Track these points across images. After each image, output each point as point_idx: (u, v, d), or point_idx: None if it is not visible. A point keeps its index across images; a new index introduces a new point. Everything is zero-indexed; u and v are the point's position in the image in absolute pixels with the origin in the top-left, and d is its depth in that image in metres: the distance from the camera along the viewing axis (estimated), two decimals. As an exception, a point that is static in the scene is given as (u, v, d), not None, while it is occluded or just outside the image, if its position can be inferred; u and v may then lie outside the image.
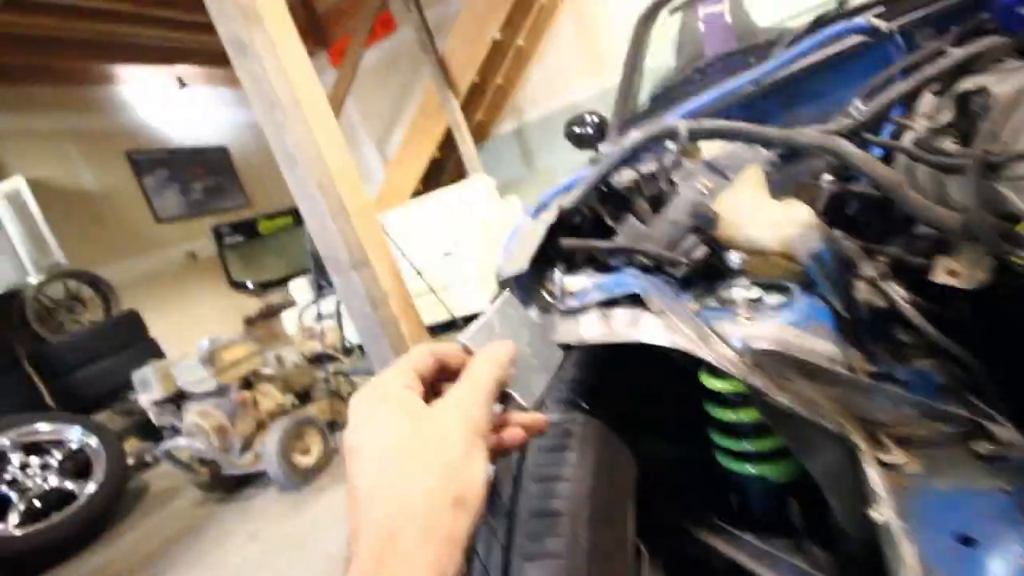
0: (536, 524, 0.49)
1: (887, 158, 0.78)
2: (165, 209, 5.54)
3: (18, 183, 4.31)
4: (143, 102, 5.65)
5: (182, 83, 5.85)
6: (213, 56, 5.18)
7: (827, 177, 0.78)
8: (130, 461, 3.14)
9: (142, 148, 5.51)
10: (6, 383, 3.36)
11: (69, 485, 2.55)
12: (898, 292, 0.54)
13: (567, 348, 0.68)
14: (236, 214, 6.19)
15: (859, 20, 0.75)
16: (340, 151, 2.30)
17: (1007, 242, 0.42)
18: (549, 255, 0.65)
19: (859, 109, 0.67)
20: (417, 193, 5.38)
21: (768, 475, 0.59)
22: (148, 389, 2.30)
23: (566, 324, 0.55)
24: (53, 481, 2.54)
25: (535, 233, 0.61)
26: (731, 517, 0.66)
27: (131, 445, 3.43)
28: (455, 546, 0.29)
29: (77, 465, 2.66)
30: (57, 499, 2.52)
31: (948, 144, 0.50)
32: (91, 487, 2.55)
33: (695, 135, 0.59)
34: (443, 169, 5.80)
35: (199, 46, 5.17)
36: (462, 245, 4.06)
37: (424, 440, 0.31)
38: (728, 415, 0.61)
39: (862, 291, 0.64)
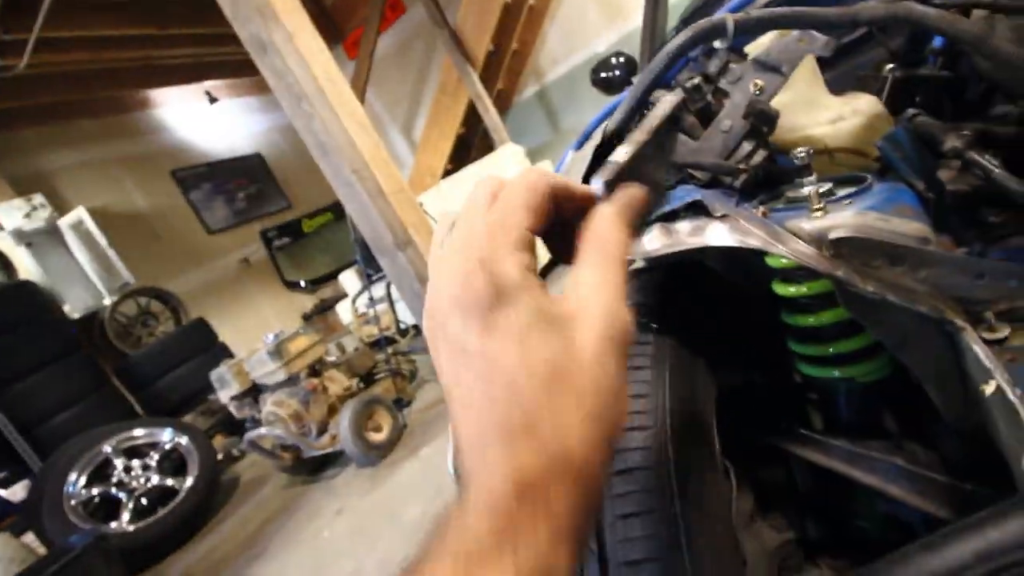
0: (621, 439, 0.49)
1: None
2: (215, 220, 5.79)
3: (81, 213, 4.59)
4: (178, 121, 5.87)
5: (212, 98, 6.03)
6: (237, 66, 5.29)
7: (889, 66, 0.72)
8: (219, 456, 3.36)
9: (184, 165, 5.75)
10: (99, 398, 3.64)
11: (169, 482, 2.76)
12: (989, 160, 0.49)
13: (631, 269, 0.66)
14: (280, 217, 6.40)
15: None
16: (369, 135, 2.32)
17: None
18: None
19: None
20: (448, 172, 5.38)
21: (857, 376, 0.57)
22: (226, 386, 2.44)
23: (627, 243, 0.53)
24: (155, 480, 2.75)
25: (582, 159, 0.59)
26: (816, 431, 0.64)
27: (217, 441, 3.67)
28: (598, 497, 0.24)
29: (173, 463, 2.87)
30: (160, 495, 2.73)
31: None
32: (189, 481, 2.75)
33: (744, 27, 0.55)
34: (470, 144, 5.76)
35: (223, 58, 5.29)
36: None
37: (578, 370, 0.24)
38: (808, 320, 0.59)
39: (947, 172, 0.59)
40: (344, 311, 4.67)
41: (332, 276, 5.69)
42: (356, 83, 5.59)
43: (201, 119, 6.06)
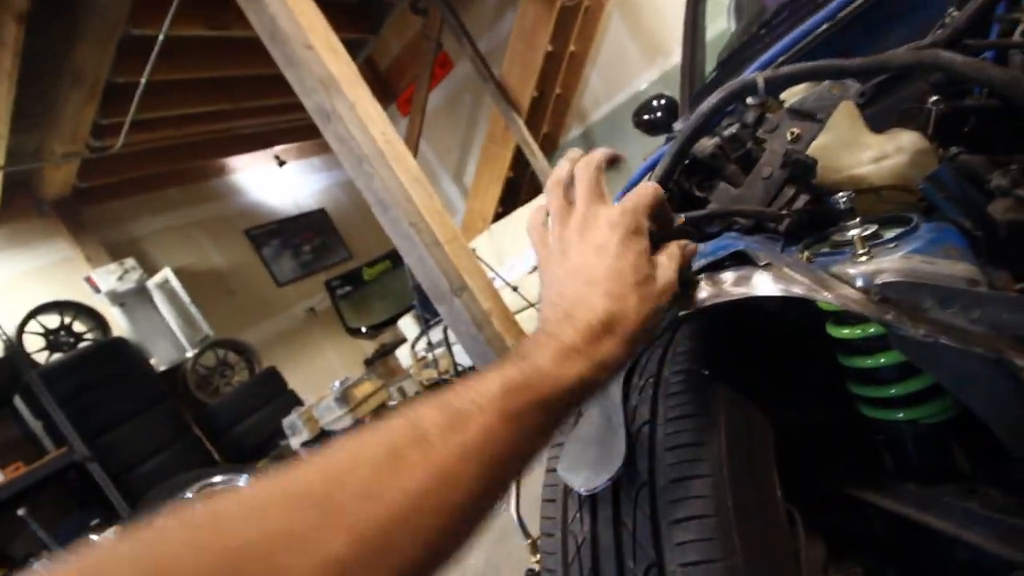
0: (678, 490, 0.50)
1: (1001, 62, 0.71)
2: (283, 273, 6.19)
3: (167, 274, 5.03)
4: (251, 184, 6.39)
5: (280, 161, 6.55)
6: (302, 131, 5.75)
7: (933, 98, 0.72)
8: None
9: (256, 224, 6.22)
10: (182, 446, 3.89)
11: (245, 527, 2.87)
12: (1039, 196, 0.49)
13: (678, 320, 0.68)
14: (342, 267, 6.75)
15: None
16: (424, 188, 2.45)
17: None
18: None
19: (954, 16, 0.62)
20: (498, 216, 5.54)
21: (922, 418, 0.55)
22: (297, 432, 2.56)
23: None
24: (232, 526, 2.88)
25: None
26: (887, 474, 0.62)
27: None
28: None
29: (249, 509, 2.99)
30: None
31: (1066, 25, 0.45)
32: (263, 527, 2.85)
33: (774, 84, 0.58)
34: (519, 187, 5.92)
35: (290, 125, 5.77)
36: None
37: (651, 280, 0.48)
38: (866, 362, 0.58)
39: (999, 206, 0.58)
40: (404, 355, 4.81)
41: (391, 321, 5.90)
42: (410, 138, 5.93)
43: (271, 180, 6.58)
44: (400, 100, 6.66)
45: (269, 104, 5.22)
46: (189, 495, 2.94)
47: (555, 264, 0.47)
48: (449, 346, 3.12)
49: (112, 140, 4.36)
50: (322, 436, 2.56)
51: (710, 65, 1.64)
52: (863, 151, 0.69)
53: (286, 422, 2.59)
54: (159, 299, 4.99)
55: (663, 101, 1.84)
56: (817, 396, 0.73)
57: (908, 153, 0.66)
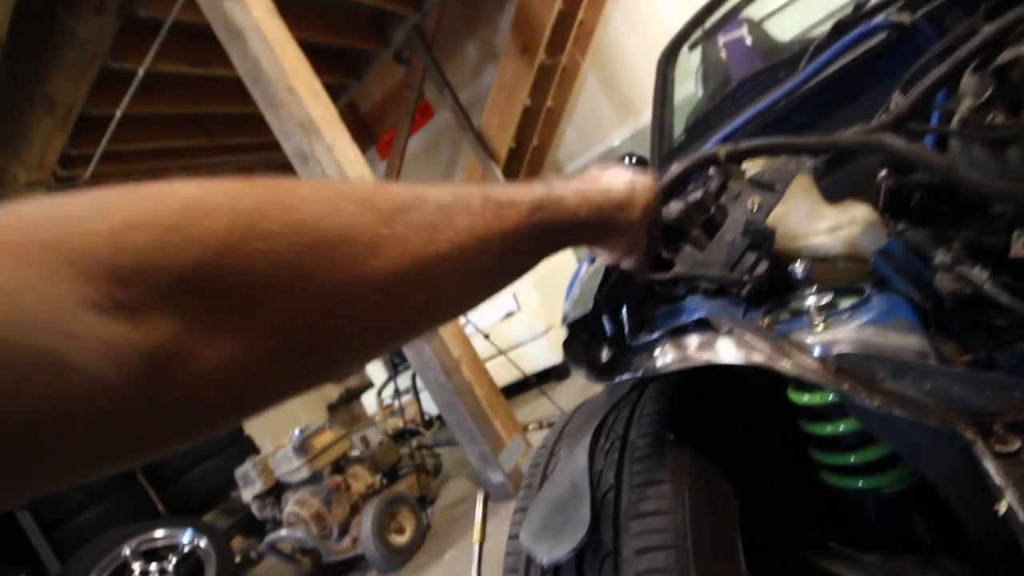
0: (641, 561, 0.49)
1: (942, 145, 0.76)
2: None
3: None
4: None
5: (253, 198, 6.48)
6: (279, 171, 5.74)
7: (884, 173, 0.77)
8: (237, 559, 3.26)
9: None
10: (124, 495, 3.63)
11: (186, 587, 2.67)
12: (978, 273, 0.52)
13: (645, 383, 0.68)
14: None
15: (879, 18, 0.76)
16: (398, 233, 2.46)
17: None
18: (613, 296, 0.67)
19: (898, 102, 0.67)
20: (472, 261, 5.56)
21: (881, 487, 0.56)
22: (250, 484, 2.42)
23: (639, 358, 0.56)
24: (171, 585, 2.67)
25: (595, 274, 0.63)
26: (849, 540, 0.62)
27: (236, 543, 3.57)
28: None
29: (191, 567, 2.79)
30: (176, 602, 2.64)
31: (996, 118, 0.49)
32: (205, 587, 2.66)
33: (734, 157, 0.61)
34: (494, 234, 5.99)
35: (267, 162, 5.75)
36: (523, 304, 4.12)
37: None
38: (826, 429, 0.59)
39: (944, 280, 0.61)
40: (370, 402, 4.67)
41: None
42: (388, 178, 5.99)
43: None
44: (380, 144, 6.76)
45: (246, 142, 5.22)
46: (126, 551, 2.73)
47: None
48: (417, 393, 3.05)
49: (80, 170, 4.26)
50: (277, 488, 2.43)
51: (679, 127, 1.73)
52: (819, 221, 0.72)
53: (239, 472, 2.46)
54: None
55: (634, 159, 1.91)
56: (782, 460, 0.73)
57: (860, 225, 0.70)
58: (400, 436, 2.79)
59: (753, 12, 2.13)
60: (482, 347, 2.97)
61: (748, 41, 2.07)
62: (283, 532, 2.26)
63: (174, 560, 2.75)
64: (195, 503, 3.81)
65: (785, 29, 2.25)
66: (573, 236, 0.49)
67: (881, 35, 0.79)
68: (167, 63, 3.72)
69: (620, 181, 0.55)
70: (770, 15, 2.20)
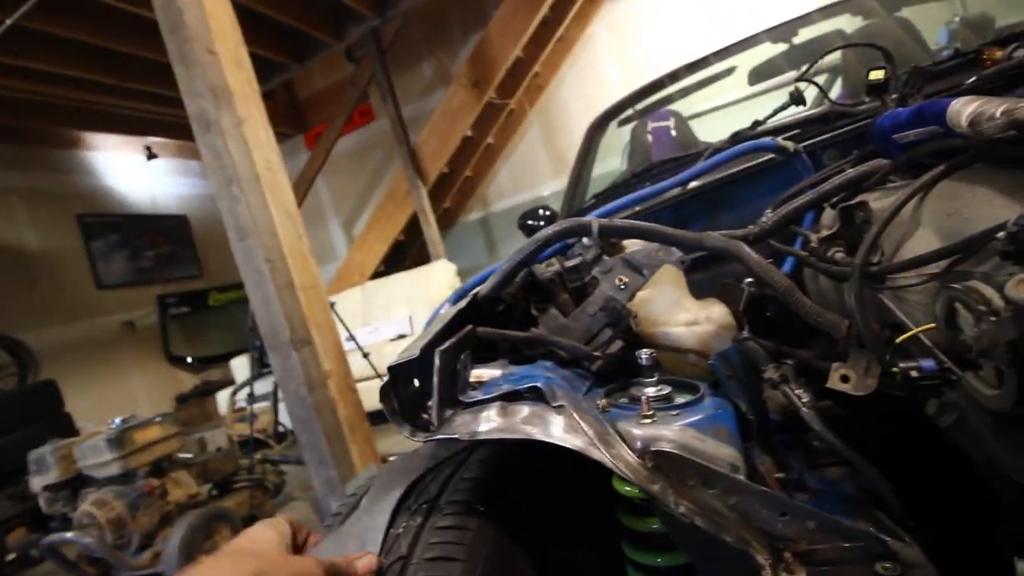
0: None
1: (796, 271, 0.81)
2: (109, 274, 5.32)
3: (-50, 238, 4.10)
4: (106, 168, 5.62)
5: (151, 154, 5.88)
6: (185, 130, 5.27)
7: (748, 279, 0.80)
8: (10, 556, 2.74)
9: (95, 211, 5.39)
10: None
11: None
12: (800, 396, 0.53)
13: (472, 444, 0.64)
14: (187, 284, 6.00)
15: (768, 139, 0.82)
16: (294, 228, 2.29)
17: (891, 352, 0.42)
18: (466, 343, 0.63)
19: (767, 218, 0.71)
20: (378, 274, 5.38)
21: (681, 595, 0.54)
22: (44, 471, 2.06)
23: (464, 417, 0.52)
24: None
25: (442, 320, 0.59)
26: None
27: (16, 536, 3.01)
28: None
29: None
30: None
31: (836, 253, 0.51)
32: (-47, 587, 2.18)
33: (606, 232, 0.60)
34: (407, 251, 5.86)
35: (174, 119, 5.27)
36: (418, 329, 4.01)
37: None
38: (639, 524, 0.57)
39: (776, 395, 0.63)
40: (223, 401, 4.25)
41: (225, 358, 5.26)
42: (308, 171, 5.71)
43: (132, 171, 5.84)
44: (310, 134, 6.47)
45: (153, 92, 4.74)
46: None
47: None
48: (276, 402, 2.80)
49: (-63, 69, 3.64)
50: (76, 481, 2.08)
51: (595, 189, 1.78)
52: (681, 312, 0.74)
53: (33, 455, 2.08)
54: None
55: (547, 213, 1.96)
56: (599, 538, 0.71)
57: (715, 325, 0.71)
58: (245, 445, 2.52)
59: (682, 107, 2.29)
60: (359, 367, 2.81)
61: (673, 132, 2.22)
62: (69, 534, 1.92)
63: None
64: (-24, 481, 3.18)
65: (712, 132, 2.44)
66: None
67: (767, 153, 0.85)
68: (82, -17, 3.33)
69: None
70: (696, 116, 2.38)
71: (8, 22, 3.29)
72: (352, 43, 4.98)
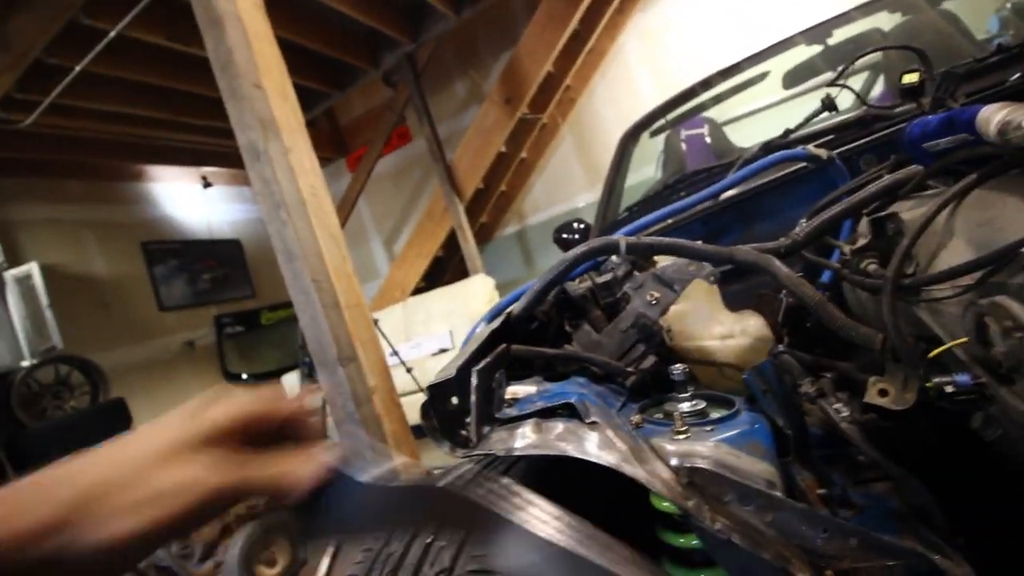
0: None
1: (834, 285, 0.79)
2: (170, 297, 5.65)
3: (32, 268, 4.44)
4: (166, 197, 5.99)
5: (207, 183, 6.23)
6: (236, 159, 5.56)
7: (785, 291, 0.79)
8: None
9: (157, 238, 5.74)
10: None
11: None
12: (839, 410, 0.52)
13: (511, 460, 0.65)
14: (240, 304, 6.29)
15: (799, 148, 0.81)
16: (338, 250, 2.39)
17: (926, 366, 0.41)
18: (501, 362, 0.65)
19: (800, 228, 0.70)
20: (419, 290, 5.49)
21: (722, 611, 0.54)
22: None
23: (500, 434, 0.54)
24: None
25: (478, 340, 0.61)
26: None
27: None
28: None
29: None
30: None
31: (869, 265, 0.51)
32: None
33: (634, 250, 0.61)
34: (446, 267, 5.96)
35: (226, 149, 5.56)
36: (458, 343, 4.06)
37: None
38: (679, 540, 0.57)
39: (818, 409, 0.62)
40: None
41: (277, 374, 5.47)
42: (350, 193, 5.91)
43: (190, 199, 6.20)
44: (351, 157, 6.70)
45: (208, 125, 5.04)
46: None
47: None
48: (324, 417, 2.90)
49: (21, 116, 3.98)
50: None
51: (630, 200, 1.78)
52: (715, 326, 0.73)
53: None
54: (12, 294, 4.35)
55: (581, 226, 1.97)
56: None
57: (751, 338, 0.71)
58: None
59: (716, 114, 2.27)
60: (402, 381, 2.88)
61: (707, 139, 2.19)
62: (138, 545, 2.03)
63: None
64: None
65: (747, 137, 2.40)
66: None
67: (799, 164, 0.84)
68: (143, 31, 3.59)
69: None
70: (730, 121, 2.35)
71: (77, 68, 3.59)
72: (388, 69, 5.15)
